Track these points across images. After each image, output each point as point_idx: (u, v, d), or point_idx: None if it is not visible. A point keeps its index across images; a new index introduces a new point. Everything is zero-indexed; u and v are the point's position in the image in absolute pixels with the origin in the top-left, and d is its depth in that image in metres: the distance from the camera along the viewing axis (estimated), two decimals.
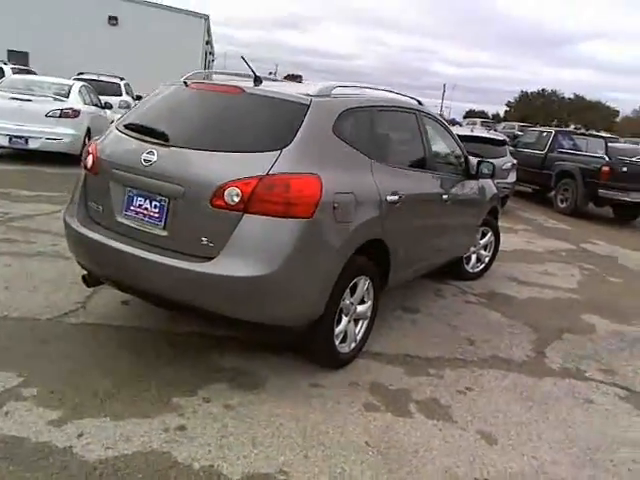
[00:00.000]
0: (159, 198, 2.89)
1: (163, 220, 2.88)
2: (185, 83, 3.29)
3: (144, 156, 2.91)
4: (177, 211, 2.82)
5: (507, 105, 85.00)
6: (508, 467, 2.62)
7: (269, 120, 2.98)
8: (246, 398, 2.91)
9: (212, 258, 2.72)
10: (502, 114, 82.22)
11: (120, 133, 3.21)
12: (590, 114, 69.61)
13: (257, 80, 3.31)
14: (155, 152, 2.89)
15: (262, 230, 2.69)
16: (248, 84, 3.22)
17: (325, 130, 3.00)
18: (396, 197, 3.43)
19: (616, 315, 5.10)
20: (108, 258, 3.02)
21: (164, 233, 2.87)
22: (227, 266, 2.67)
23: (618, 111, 76.93)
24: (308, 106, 2.97)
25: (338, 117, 3.10)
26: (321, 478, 2.37)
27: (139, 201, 2.97)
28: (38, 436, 2.41)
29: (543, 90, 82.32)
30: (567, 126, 56.76)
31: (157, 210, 2.90)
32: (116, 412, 2.65)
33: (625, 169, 10.32)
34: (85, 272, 3.38)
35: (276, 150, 2.78)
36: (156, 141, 2.96)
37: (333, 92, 3.24)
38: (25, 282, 4.08)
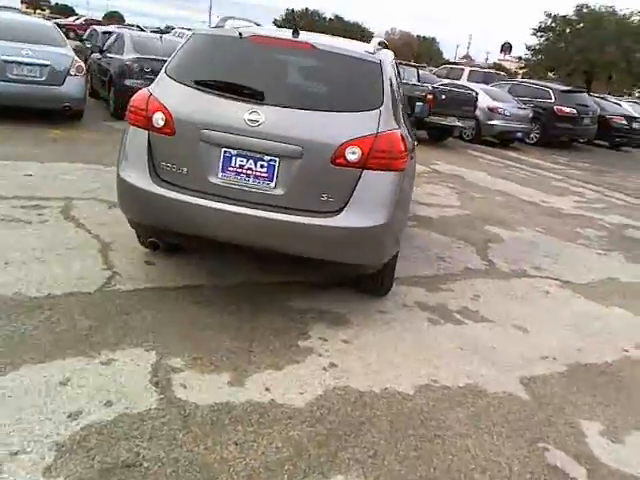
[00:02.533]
0: (268, 158, 2.95)
1: (274, 179, 2.96)
2: (240, 35, 3.21)
3: (248, 116, 2.90)
4: (291, 170, 2.94)
5: (274, 23, 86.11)
6: (548, 343, 3.55)
7: (356, 79, 3.18)
8: (347, 332, 3.30)
9: (334, 212, 2.96)
10: None
11: (195, 90, 3.05)
12: (349, 34, 74.88)
13: (295, 32, 3.39)
14: (260, 112, 2.90)
15: (377, 184, 3.01)
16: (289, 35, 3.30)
17: (392, 87, 3.32)
18: None
19: (503, 224, 6.47)
20: (205, 219, 2.99)
21: (278, 192, 2.96)
22: (352, 219, 2.96)
23: (373, 33, 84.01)
24: (380, 65, 3.24)
25: (391, 74, 3.44)
26: (460, 378, 2.98)
27: (239, 161, 2.97)
28: (237, 398, 2.53)
29: (307, 9, 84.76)
30: None
31: (265, 170, 2.96)
32: (270, 363, 2.83)
33: (444, 97, 12.06)
34: (151, 237, 3.24)
35: (375, 109, 3.06)
36: (255, 100, 2.95)
37: (377, 50, 3.52)
38: (23, 256, 3.61)
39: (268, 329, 3.17)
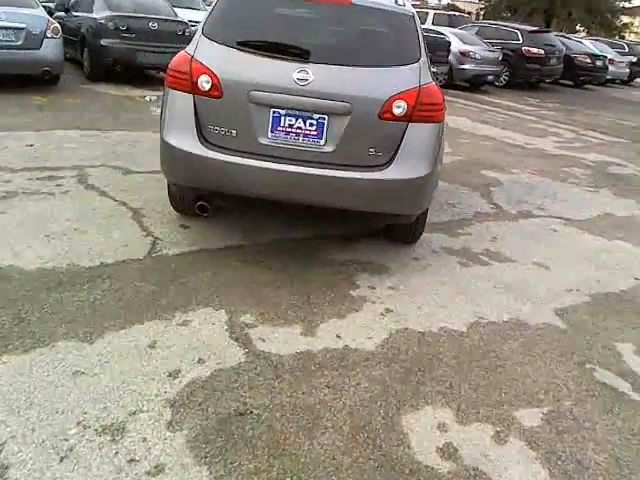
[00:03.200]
0: (317, 116, 3.02)
1: (323, 137, 3.05)
2: None
3: (297, 75, 2.95)
4: (340, 126, 3.03)
5: None
6: (569, 277, 3.84)
7: (394, 33, 3.25)
8: (390, 280, 3.49)
9: (383, 166, 3.09)
10: None
11: (239, 52, 3.06)
12: None
13: None
14: (309, 71, 2.96)
15: (422, 135, 3.14)
16: None
17: (424, 40, 3.40)
18: None
19: (497, 167, 6.71)
20: (257, 179, 3.07)
21: (328, 149, 3.06)
22: (400, 171, 3.09)
23: None
24: (413, 18, 3.32)
25: (420, 26, 3.51)
26: (502, 314, 3.23)
27: (289, 121, 3.04)
28: (314, 346, 2.70)
29: None
30: None
31: (314, 128, 3.04)
32: (332, 313, 3.01)
33: None
34: (199, 201, 3.30)
35: (414, 62, 3.16)
36: (301, 59, 2.99)
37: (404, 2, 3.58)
38: (60, 227, 3.63)
39: (319, 282, 3.32)
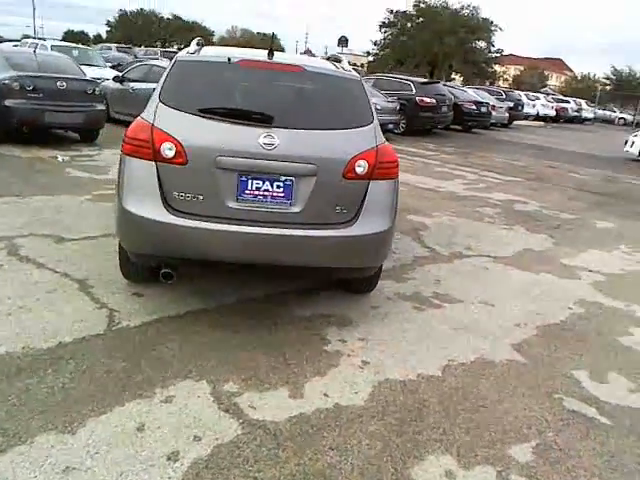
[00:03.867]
0: (284, 178, 3.09)
1: (291, 198, 3.11)
2: (229, 60, 3.28)
3: (263, 140, 3.01)
4: (307, 187, 3.11)
5: (108, 25, 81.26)
6: (513, 313, 4.12)
7: (348, 97, 3.43)
8: (357, 331, 3.56)
9: (348, 222, 3.21)
10: (104, 35, 78.38)
11: (201, 118, 3.06)
12: (190, 34, 73.37)
13: (271, 53, 3.53)
14: (274, 135, 3.03)
15: (382, 191, 3.30)
16: (264, 57, 3.46)
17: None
18: None
19: (420, 212, 7.10)
20: (226, 243, 3.06)
21: (296, 209, 3.12)
22: (367, 226, 3.22)
23: (214, 31, 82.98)
24: (361, 83, 3.53)
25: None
26: (468, 354, 3.40)
27: (256, 184, 3.08)
28: (305, 408, 2.69)
29: (142, 9, 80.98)
30: (171, 46, 59.14)
31: (282, 190, 3.10)
32: (312, 371, 3.01)
33: None
34: (162, 269, 3.20)
35: (369, 124, 3.34)
36: (265, 124, 3.06)
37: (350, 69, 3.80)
38: (3, 307, 3.36)
39: (291, 340, 3.32)
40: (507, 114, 22.45)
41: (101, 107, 9.22)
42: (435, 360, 3.28)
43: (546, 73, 73.18)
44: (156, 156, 3.03)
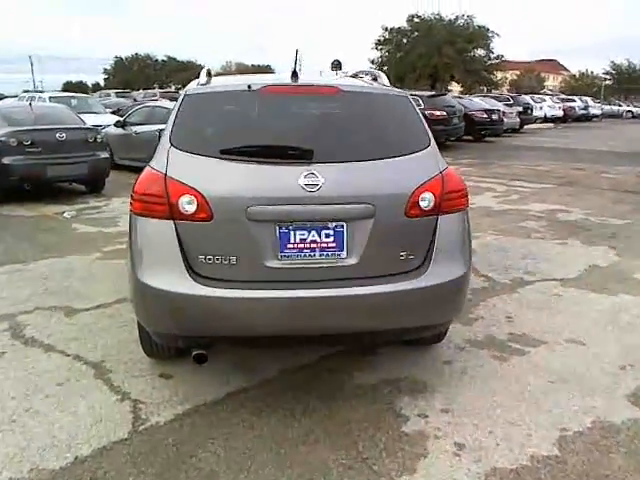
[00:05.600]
0: (333, 224, 2.48)
1: (344, 248, 2.50)
2: (249, 88, 2.70)
3: (303, 180, 2.42)
4: (362, 233, 2.50)
5: (105, 73, 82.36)
6: (611, 351, 3.44)
7: (397, 118, 2.83)
8: (435, 399, 2.89)
9: (416, 270, 2.57)
10: (102, 83, 79.40)
11: (223, 161, 2.47)
12: (186, 74, 74.11)
13: (294, 75, 2.96)
14: (317, 173, 2.43)
15: (454, 227, 2.68)
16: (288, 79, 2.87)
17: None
18: None
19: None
20: (270, 313, 2.45)
21: (351, 261, 2.50)
22: (440, 273, 2.59)
23: (209, 68, 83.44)
24: (408, 99, 2.94)
25: None
26: (581, 418, 2.72)
27: (300, 235, 2.47)
28: None
29: (137, 54, 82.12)
30: (169, 87, 59.58)
31: (332, 239, 2.49)
32: (399, 468, 2.35)
33: None
34: (194, 350, 2.57)
35: (428, 147, 2.74)
36: (304, 161, 2.46)
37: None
38: (4, 411, 2.74)
39: (358, 421, 2.67)
40: (518, 119, 21.86)
41: (105, 155, 8.76)
42: (544, 431, 2.60)
43: (542, 75, 73.01)
44: (173, 213, 2.44)
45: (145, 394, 2.91)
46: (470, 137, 19.12)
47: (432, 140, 2.79)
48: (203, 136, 2.65)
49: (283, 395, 2.90)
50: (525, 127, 24.49)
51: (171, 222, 2.45)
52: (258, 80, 2.82)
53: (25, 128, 7.80)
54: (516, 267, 5.18)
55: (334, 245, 2.50)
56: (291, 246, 2.47)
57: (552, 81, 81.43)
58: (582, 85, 65.30)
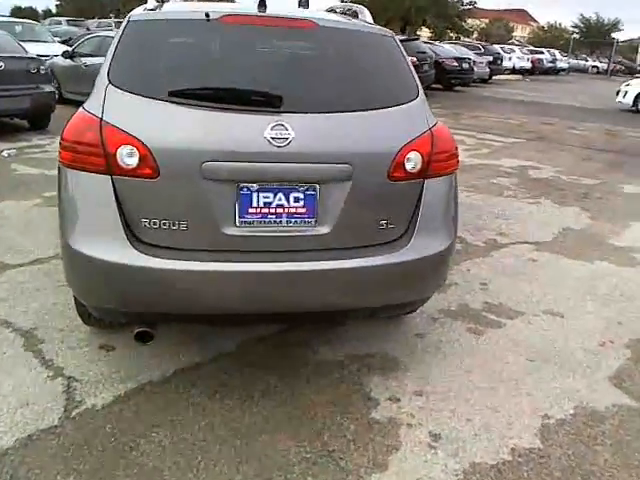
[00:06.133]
0: (304, 187, 2.10)
1: (315, 214, 2.14)
2: (207, 16, 2.23)
3: (270, 133, 2.01)
4: (338, 198, 2.14)
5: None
6: (591, 325, 3.26)
7: (382, 62, 2.41)
8: (408, 379, 2.64)
9: (397, 241, 2.25)
10: (55, 10, 74.08)
11: (173, 105, 2.03)
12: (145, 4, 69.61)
13: (262, 4, 2.49)
14: (286, 124, 2.03)
15: (440, 193, 2.36)
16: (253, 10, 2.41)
17: None
18: None
19: None
20: (225, 289, 2.09)
21: (323, 229, 2.15)
22: (424, 245, 2.27)
23: None
24: (394, 39, 2.52)
25: None
26: (564, 403, 2.52)
27: (264, 198, 2.09)
28: None
29: None
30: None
31: (302, 204, 2.12)
32: (368, 463, 2.10)
33: None
34: (140, 327, 2.20)
35: (415, 99, 2.36)
36: (272, 108, 2.05)
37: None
38: None
39: (323, 405, 2.40)
40: (488, 69, 21.43)
41: (49, 88, 7.98)
42: (525, 419, 2.39)
43: (511, 25, 72.09)
44: (111, 167, 2.01)
45: (81, 370, 2.55)
46: (439, 86, 18.64)
47: (421, 90, 2.41)
48: (149, 73, 2.18)
49: (240, 373, 2.59)
50: (494, 78, 24.10)
51: (108, 177, 2.02)
52: (219, 8, 2.34)
53: None
54: (489, 228, 4.95)
55: (304, 211, 2.13)
56: (253, 211, 2.09)
57: (520, 32, 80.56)
58: (550, 37, 64.82)
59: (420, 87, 2.42)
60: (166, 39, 2.25)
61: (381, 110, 2.22)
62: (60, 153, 2.11)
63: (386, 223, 2.22)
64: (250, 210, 2.09)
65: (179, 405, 2.35)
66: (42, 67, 7.88)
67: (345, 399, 2.45)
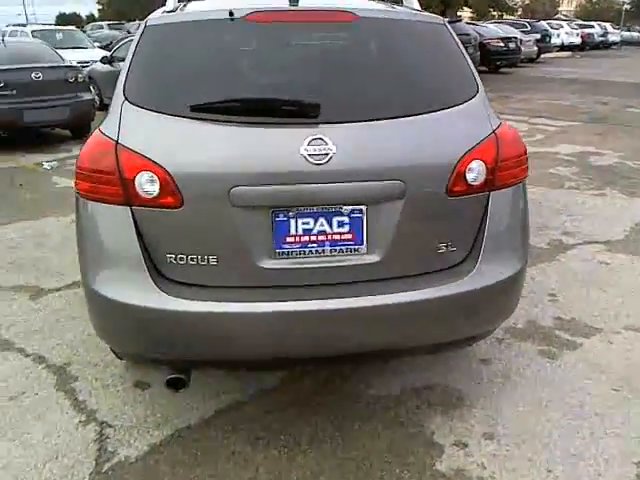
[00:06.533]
0: (349, 209, 1.81)
1: (364, 240, 1.84)
2: (231, 15, 1.95)
3: (308, 149, 1.73)
4: (389, 219, 1.83)
5: (99, 3, 78.46)
6: None
7: (433, 56, 2.09)
8: (475, 420, 2.32)
9: (459, 266, 1.93)
10: (97, 14, 75.82)
11: (196, 123, 1.78)
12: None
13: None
14: (326, 138, 1.74)
15: (509, 207, 2.02)
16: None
17: None
18: None
19: None
20: (263, 331, 1.82)
21: (372, 258, 1.85)
22: (491, 269, 1.94)
23: None
24: (447, 28, 2.18)
25: None
26: None
27: (304, 225, 1.81)
28: None
29: None
30: None
31: (347, 229, 1.83)
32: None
33: None
34: (171, 374, 1.96)
35: (474, 96, 2.02)
36: (308, 120, 1.76)
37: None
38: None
39: (379, 453, 2.11)
40: (536, 47, 20.44)
41: (88, 96, 7.94)
42: (616, 466, 2.04)
43: None
44: (130, 197, 1.77)
45: (115, 412, 2.35)
46: (484, 68, 17.89)
47: (481, 85, 2.07)
48: (168, 86, 1.93)
49: (285, 413, 2.33)
50: (542, 56, 23.02)
51: (127, 209, 1.79)
52: (244, 5, 2.05)
53: None
54: (552, 226, 4.52)
55: (350, 237, 1.84)
56: (291, 240, 1.82)
57: (566, 5, 77.25)
58: (598, 10, 61.75)
59: (479, 82, 2.08)
60: (186, 45, 1.98)
61: (435, 113, 1.90)
62: (75, 182, 1.89)
63: (446, 246, 1.90)
64: (288, 239, 1.82)
65: (219, 455, 2.11)
66: (80, 75, 7.84)
67: (404, 445, 2.15)
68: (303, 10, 2.03)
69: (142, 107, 1.84)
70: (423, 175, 1.83)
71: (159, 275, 1.82)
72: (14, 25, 18.77)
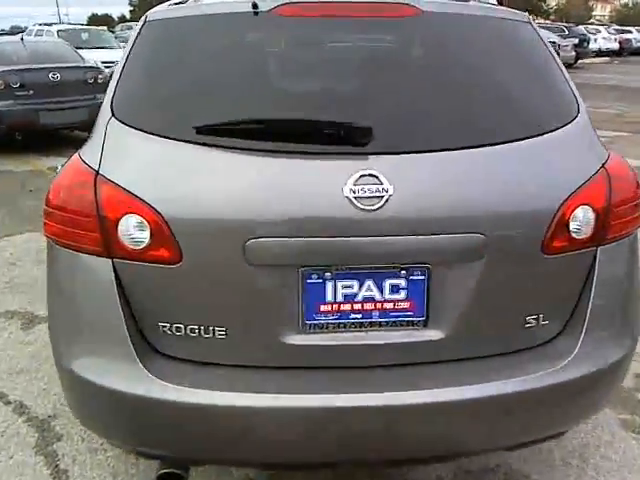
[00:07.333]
0: (408, 270, 1.32)
1: (423, 311, 1.36)
2: (256, 7, 1.48)
3: (354, 188, 1.25)
4: (460, 285, 1.34)
5: (130, 4, 79.31)
6: None
7: (519, 64, 1.58)
8: None
9: (548, 344, 1.43)
10: (128, 15, 76.68)
11: (203, 150, 1.31)
12: None
13: None
14: (379, 174, 1.26)
15: (620, 267, 1.51)
16: None
17: None
18: None
19: None
20: (283, 432, 1.35)
21: (436, 335, 1.36)
22: (599, 351, 1.44)
23: None
24: (532, 26, 1.69)
25: None
26: None
27: (344, 289, 1.33)
28: None
29: None
30: None
31: (403, 295, 1.35)
32: None
33: None
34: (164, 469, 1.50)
35: (574, 119, 1.51)
36: (356, 149, 1.29)
37: None
38: None
39: None
40: (574, 52, 19.64)
41: None
42: None
43: (590, 3, 67.77)
44: (111, 246, 1.32)
45: None
46: None
47: (582, 105, 1.57)
48: (170, 100, 1.46)
49: None
50: (579, 61, 22.17)
51: (108, 262, 1.33)
52: None
53: (12, 68, 6.68)
54: None
55: (406, 306, 1.35)
56: (327, 308, 1.34)
57: (600, 10, 75.66)
58: (634, 14, 60.14)
59: (580, 100, 1.58)
60: (195, 46, 1.52)
61: (525, 142, 1.40)
62: (45, 223, 1.44)
63: (536, 319, 1.40)
64: (322, 307, 1.34)
65: None
66: (100, 76, 7.51)
67: None
68: (349, 2, 1.55)
69: (133, 127, 1.39)
70: (512, 226, 1.33)
71: (150, 349, 1.36)
72: (41, 24, 18.69)
